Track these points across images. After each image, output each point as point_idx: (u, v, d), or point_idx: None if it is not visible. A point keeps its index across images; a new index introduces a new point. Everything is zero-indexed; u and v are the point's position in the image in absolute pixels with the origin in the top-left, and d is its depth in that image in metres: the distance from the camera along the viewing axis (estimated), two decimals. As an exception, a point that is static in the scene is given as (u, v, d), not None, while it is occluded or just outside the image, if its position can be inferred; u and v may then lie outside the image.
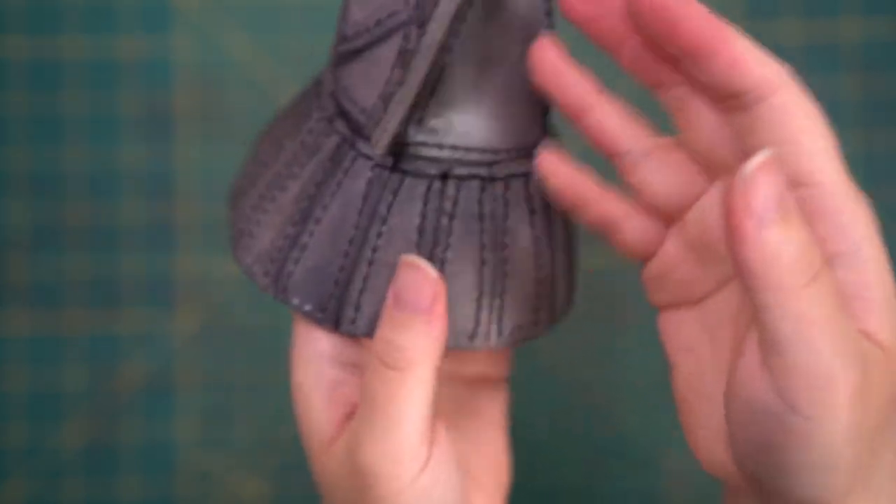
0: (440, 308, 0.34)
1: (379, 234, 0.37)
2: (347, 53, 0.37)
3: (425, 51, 0.36)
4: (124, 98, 0.62)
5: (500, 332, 0.38)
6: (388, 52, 0.36)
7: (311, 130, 0.38)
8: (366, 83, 0.37)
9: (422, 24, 0.36)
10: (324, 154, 0.38)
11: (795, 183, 0.33)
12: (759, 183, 0.29)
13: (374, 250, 0.37)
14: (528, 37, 0.37)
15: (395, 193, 0.37)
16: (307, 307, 0.37)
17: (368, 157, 0.37)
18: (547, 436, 0.60)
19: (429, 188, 0.36)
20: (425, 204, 0.36)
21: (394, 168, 0.37)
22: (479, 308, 0.37)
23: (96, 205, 0.61)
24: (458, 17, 0.35)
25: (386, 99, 0.36)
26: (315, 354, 0.37)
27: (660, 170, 0.37)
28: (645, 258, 0.38)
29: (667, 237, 0.38)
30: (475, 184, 0.36)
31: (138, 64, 0.62)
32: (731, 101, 0.33)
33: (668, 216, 0.37)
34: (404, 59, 0.36)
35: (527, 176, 0.38)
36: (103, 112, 0.62)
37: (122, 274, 0.61)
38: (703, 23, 0.32)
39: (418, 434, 0.35)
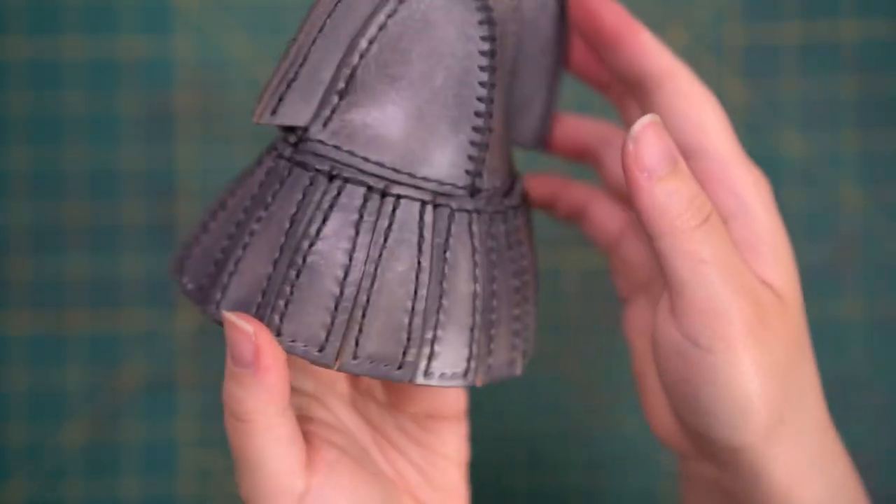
0: (265, 360, 0.35)
1: (258, 219, 0.37)
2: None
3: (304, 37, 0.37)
4: (125, 98, 0.62)
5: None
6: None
7: (257, 162, 0.39)
8: (305, 100, 0.37)
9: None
10: (257, 165, 0.38)
11: (690, 154, 0.37)
12: (647, 140, 0.32)
13: (251, 234, 0.37)
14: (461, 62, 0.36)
15: (282, 182, 0.37)
16: (189, 286, 0.38)
17: (275, 149, 0.38)
18: (547, 436, 0.61)
19: (311, 182, 0.36)
20: (304, 196, 0.36)
21: (288, 159, 0.37)
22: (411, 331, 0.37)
23: (97, 204, 0.61)
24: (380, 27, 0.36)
25: (283, 76, 0.37)
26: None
27: (616, 158, 0.42)
28: (613, 246, 0.43)
29: (626, 222, 0.42)
30: (361, 190, 0.36)
31: (138, 64, 0.62)
32: (638, 87, 0.38)
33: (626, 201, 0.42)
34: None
35: (425, 203, 0.36)
36: (104, 112, 0.62)
37: (122, 274, 0.61)
38: (618, 18, 0.38)
39: (284, 471, 0.36)
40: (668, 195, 0.33)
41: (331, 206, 0.36)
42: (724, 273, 0.33)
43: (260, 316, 0.36)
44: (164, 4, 0.62)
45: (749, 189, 0.36)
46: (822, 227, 0.60)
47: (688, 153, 0.37)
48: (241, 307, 0.36)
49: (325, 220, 0.36)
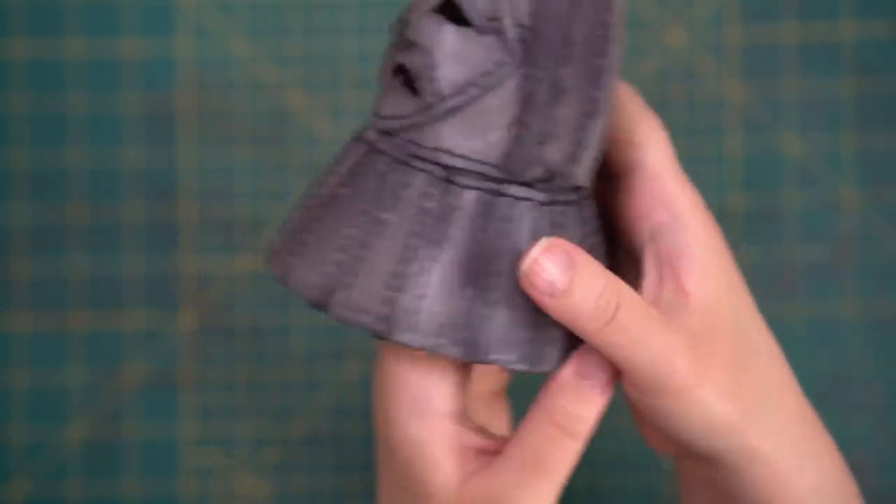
0: (613, 380, 0.38)
1: (432, 244, 0.37)
2: (442, 113, 0.37)
3: (608, 78, 0.38)
4: (125, 98, 0.62)
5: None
6: (496, 100, 0.37)
7: (428, 195, 0.38)
8: (471, 134, 0.37)
9: (532, 65, 0.37)
10: (458, 210, 0.37)
11: (628, 169, 0.39)
12: (540, 267, 0.35)
13: (425, 259, 0.37)
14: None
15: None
16: (365, 318, 0.37)
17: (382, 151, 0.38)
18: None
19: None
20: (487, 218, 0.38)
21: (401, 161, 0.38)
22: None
23: (97, 204, 0.61)
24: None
25: (577, 137, 0.38)
26: (432, 411, 0.38)
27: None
28: None
29: None
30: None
31: (139, 64, 0.62)
32: None
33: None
34: (552, 94, 0.37)
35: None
36: (104, 112, 0.62)
37: (123, 273, 0.61)
38: None
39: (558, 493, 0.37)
40: (574, 306, 0.35)
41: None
42: (645, 345, 0.36)
43: (465, 339, 0.36)
44: (164, 5, 0.62)
45: (681, 203, 0.38)
46: (821, 227, 0.60)
47: (626, 168, 0.40)
48: (450, 328, 0.36)
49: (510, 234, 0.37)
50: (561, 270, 0.35)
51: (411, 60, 0.38)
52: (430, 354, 0.37)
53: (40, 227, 0.61)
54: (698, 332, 0.37)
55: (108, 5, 0.62)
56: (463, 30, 0.37)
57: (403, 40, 0.38)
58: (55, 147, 0.62)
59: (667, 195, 0.39)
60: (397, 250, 0.37)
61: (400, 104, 0.38)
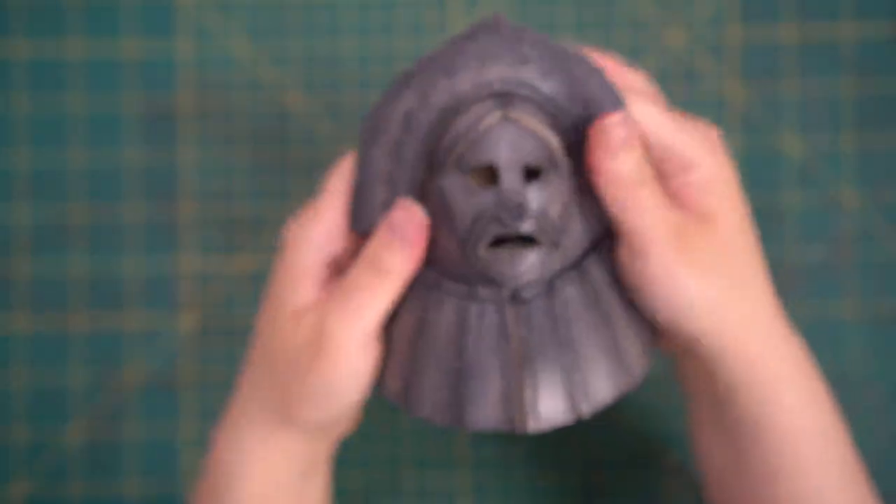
0: (422, 241, 0.45)
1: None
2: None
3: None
4: (126, 99, 0.62)
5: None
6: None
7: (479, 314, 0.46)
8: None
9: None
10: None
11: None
12: (612, 132, 0.44)
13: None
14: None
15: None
16: (425, 409, 0.47)
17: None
18: (548, 435, 0.61)
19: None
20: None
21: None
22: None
23: (98, 205, 0.61)
24: None
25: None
26: (311, 247, 0.46)
27: None
28: None
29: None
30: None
31: (140, 65, 0.62)
32: None
33: None
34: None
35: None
36: (105, 113, 0.62)
37: (123, 274, 0.61)
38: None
39: (373, 326, 0.45)
40: (626, 163, 0.45)
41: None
42: (652, 214, 0.45)
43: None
44: (164, 6, 0.62)
45: (694, 149, 0.46)
46: (821, 227, 0.60)
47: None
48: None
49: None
50: (626, 136, 0.45)
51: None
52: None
53: (41, 228, 0.61)
54: (692, 222, 0.45)
55: (109, 6, 0.62)
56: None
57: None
58: (56, 147, 0.62)
59: (682, 148, 0.46)
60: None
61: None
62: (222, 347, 0.61)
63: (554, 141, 0.45)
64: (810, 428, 0.46)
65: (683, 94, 0.61)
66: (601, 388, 0.45)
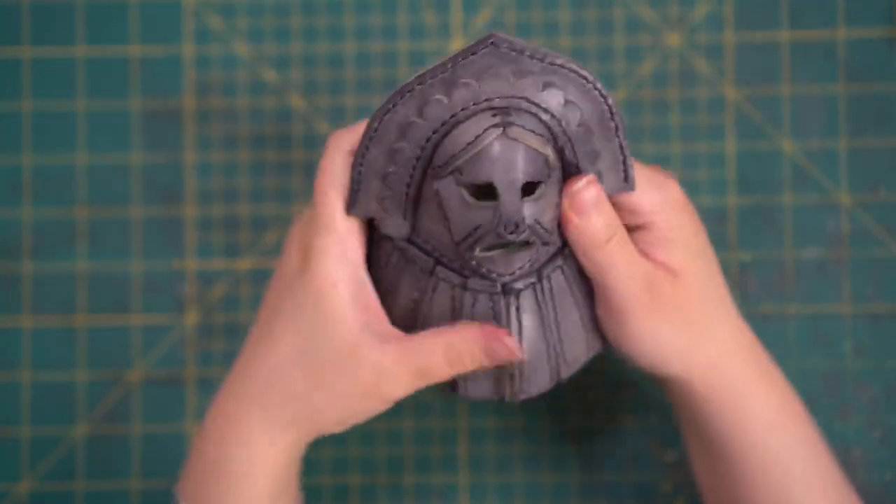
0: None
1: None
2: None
3: None
4: (129, 100, 0.62)
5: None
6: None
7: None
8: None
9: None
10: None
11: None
12: (582, 194, 0.47)
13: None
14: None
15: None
16: None
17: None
18: (548, 432, 0.61)
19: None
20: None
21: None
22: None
23: (102, 205, 0.61)
24: None
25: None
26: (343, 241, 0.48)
27: None
28: None
29: None
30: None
31: (143, 66, 0.62)
32: None
33: None
34: None
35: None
36: (108, 114, 0.62)
37: (127, 273, 0.61)
38: None
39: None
40: (593, 222, 0.47)
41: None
42: (619, 271, 0.47)
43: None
44: (168, 8, 0.62)
45: (656, 205, 0.48)
46: (816, 228, 0.60)
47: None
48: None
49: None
50: (595, 197, 0.47)
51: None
52: None
53: (46, 228, 0.61)
54: (660, 275, 0.48)
55: (113, 9, 0.62)
56: None
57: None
58: (60, 148, 0.62)
59: (644, 205, 0.49)
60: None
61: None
62: (226, 345, 0.61)
63: (549, 152, 0.46)
64: (787, 443, 0.49)
65: (681, 97, 0.61)
66: (578, 355, 0.50)
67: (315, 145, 0.61)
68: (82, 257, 0.61)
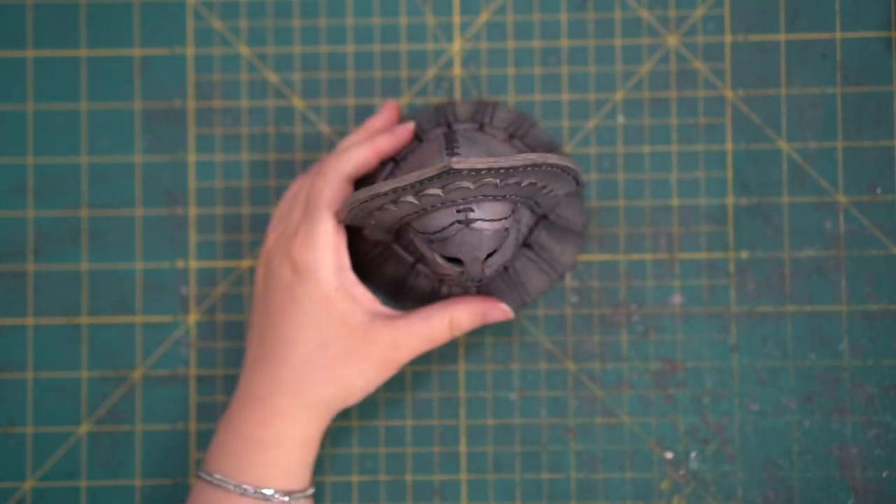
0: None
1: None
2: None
3: None
4: (130, 100, 0.62)
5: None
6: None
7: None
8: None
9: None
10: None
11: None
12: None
13: None
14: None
15: None
16: None
17: None
18: (547, 430, 0.61)
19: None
20: None
21: None
22: None
23: (103, 205, 0.61)
24: None
25: None
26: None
27: None
28: None
29: None
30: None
31: (147, 67, 0.62)
32: None
33: None
34: None
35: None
36: (112, 114, 0.62)
37: (130, 273, 0.61)
38: None
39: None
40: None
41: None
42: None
43: None
44: (170, 9, 0.62)
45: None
46: (813, 227, 0.60)
47: None
48: None
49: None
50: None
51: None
52: None
53: (49, 229, 0.61)
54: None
55: (116, 10, 0.62)
56: None
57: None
58: (64, 150, 0.62)
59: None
60: None
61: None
62: (227, 345, 0.61)
63: (511, 222, 0.52)
64: None
65: (680, 99, 0.61)
66: (539, 288, 0.59)
67: (315, 146, 0.61)
68: (85, 258, 0.61)
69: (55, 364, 0.61)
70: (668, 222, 0.61)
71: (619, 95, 0.61)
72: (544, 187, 0.52)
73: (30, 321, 0.61)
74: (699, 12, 0.61)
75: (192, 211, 0.61)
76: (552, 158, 0.50)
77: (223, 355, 0.61)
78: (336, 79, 0.62)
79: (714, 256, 0.61)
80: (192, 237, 0.61)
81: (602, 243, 0.61)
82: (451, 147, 0.53)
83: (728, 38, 0.61)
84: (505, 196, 0.51)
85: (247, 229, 0.61)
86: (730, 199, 0.61)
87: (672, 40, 0.61)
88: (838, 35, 0.61)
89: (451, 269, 0.53)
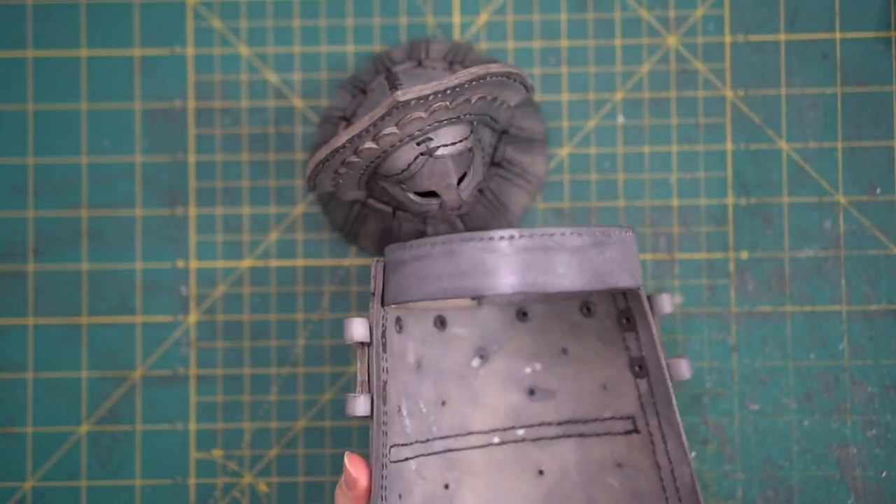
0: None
1: None
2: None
3: None
4: (133, 101, 0.62)
5: None
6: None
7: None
8: None
9: None
10: None
11: None
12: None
13: None
14: None
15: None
16: None
17: None
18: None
19: None
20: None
21: None
22: None
23: (104, 205, 0.62)
24: None
25: None
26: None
27: None
28: None
29: None
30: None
31: (147, 68, 0.62)
32: None
33: None
34: None
35: None
36: (113, 115, 0.62)
37: (130, 273, 0.61)
38: None
39: None
40: None
41: None
42: None
43: None
44: (172, 10, 0.62)
45: None
46: (813, 227, 0.61)
47: None
48: None
49: None
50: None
51: None
52: None
53: (49, 229, 0.61)
54: None
55: (116, 10, 0.62)
56: None
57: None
58: (64, 150, 0.62)
59: None
60: None
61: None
62: (226, 345, 0.61)
63: (472, 141, 0.53)
64: None
65: (680, 99, 0.61)
66: (521, 204, 0.60)
67: (315, 145, 0.61)
68: (85, 258, 0.61)
69: (55, 364, 0.61)
70: (668, 222, 0.61)
71: (619, 95, 0.61)
72: (495, 99, 0.53)
73: (30, 321, 0.61)
74: (699, 12, 0.61)
75: (192, 211, 0.61)
76: (494, 67, 0.50)
77: (223, 355, 0.61)
78: (336, 79, 0.62)
79: (714, 256, 0.61)
80: (192, 237, 0.61)
81: (602, 243, 0.61)
82: (394, 86, 0.54)
83: (728, 39, 0.61)
84: (459, 117, 0.52)
85: (247, 229, 0.61)
86: (730, 200, 0.61)
87: (672, 40, 0.61)
88: (838, 35, 0.61)
89: (428, 205, 0.53)
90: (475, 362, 0.57)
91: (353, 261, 0.61)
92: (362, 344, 0.52)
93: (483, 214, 0.59)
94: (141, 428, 0.61)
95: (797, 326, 0.60)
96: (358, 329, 0.52)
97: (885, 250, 0.60)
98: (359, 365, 0.52)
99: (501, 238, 0.49)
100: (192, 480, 0.61)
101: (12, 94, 0.62)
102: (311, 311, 0.61)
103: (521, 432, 0.57)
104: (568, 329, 0.57)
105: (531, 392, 0.57)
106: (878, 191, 0.60)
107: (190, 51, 0.62)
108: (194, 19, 0.62)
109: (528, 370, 0.57)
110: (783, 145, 0.61)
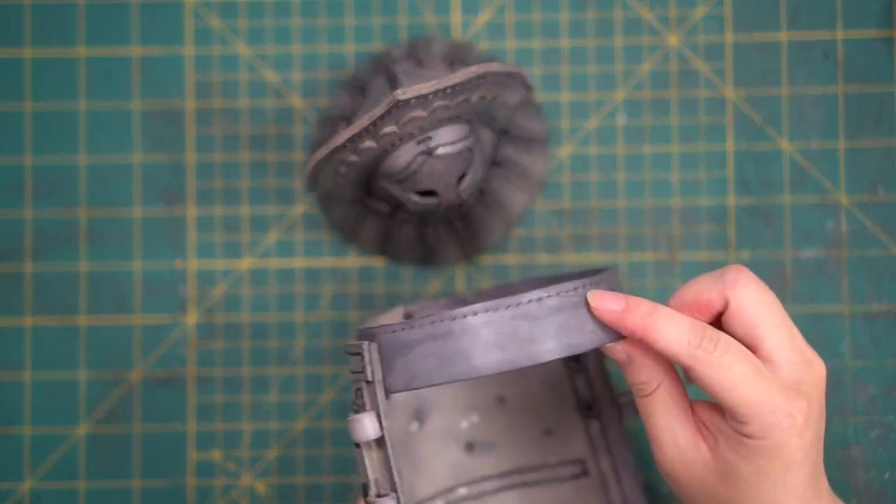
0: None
1: None
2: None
3: None
4: (129, 100, 0.62)
5: None
6: None
7: None
8: None
9: None
10: None
11: (756, 346, 0.47)
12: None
13: None
14: None
15: None
16: None
17: None
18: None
19: None
20: None
21: None
22: None
23: (103, 205, 0.61)
24: None
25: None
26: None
27: None
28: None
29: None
30: None
31: (146, 67, 0.62)
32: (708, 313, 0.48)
33: None
34: None
35: None
36: (111, 114, 0.62)
37: (129, 273, 0.61)
38: (642, 320, 0.46)
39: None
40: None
41: None
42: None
43: None
44: (170, 9, 0.62)
45: (796, 371, 0.46)
46: (814, 227, 0.61)
47: (753, 346, 0.47)
48: None
49: None
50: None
51: None
52: None
53: (47, 229, 0.61)
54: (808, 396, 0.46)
55: (114, 9, 0.62)
56: None
57: None
58: (62, 149, 0.62)
59: (786, 367, 0.46)
60: None
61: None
62: (226, 346, 0.61)
63: (471, 140, 0.53)
64: None
65: (680, 98, 0.61)
66: (520, 204, 0.60)
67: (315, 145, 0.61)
68: (83, 258, 0.61)
69: (53, 364, 0.61)
70: (669, 222, 0.61)
71: (619, 95, 0.61)
72: (495, 98, 0.53)
73: (28, 321, 0.61)
74: (700, 12, 0.61)
75: (192, 211, 0.61)
76: (494, 66, 0.50)
77: (222, 356, 0.61)
78: (336, 79, 0.62)
79: (715, 257, 0.61)
80: (192, 237, 0.61)
81: (602, 243, 0.61)
82: (394, 84, 0.54)
83: (729, 38, 0.61)
84: (459, 116, 0.52)
85: (246, 229, 0.61)
86: (731, 200, 0.61)
87: (673, 40, 0.61)
88: (839, 34, 0.61)
89: (428, 204, 0.54)
90: (413, 426, 0.55)
91: (353, 261, 0.61)
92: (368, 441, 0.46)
93: (481, 215, 0.59)
94: (139, 429, 0.61)
95: (799, 327, 0.60)
96: (368, 426, 0.45)
97: (888, 250, 0.60)
98: (367, 463, 0.45)
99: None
100: (191, 481, 0.61)
101: (10, 94, 0.62)
102: (310, 312, 0.61)
103: (462, 491, 0.55)
104: (505, 376, 0.56)
105: (470, 447, 0.56)
106: (881, 190, 0.60)
107: (189, 50, 0.62)
108: (193, 19, 0.62)
109: (464, 424, 0.56)
110: (784, 145, 0.61)
